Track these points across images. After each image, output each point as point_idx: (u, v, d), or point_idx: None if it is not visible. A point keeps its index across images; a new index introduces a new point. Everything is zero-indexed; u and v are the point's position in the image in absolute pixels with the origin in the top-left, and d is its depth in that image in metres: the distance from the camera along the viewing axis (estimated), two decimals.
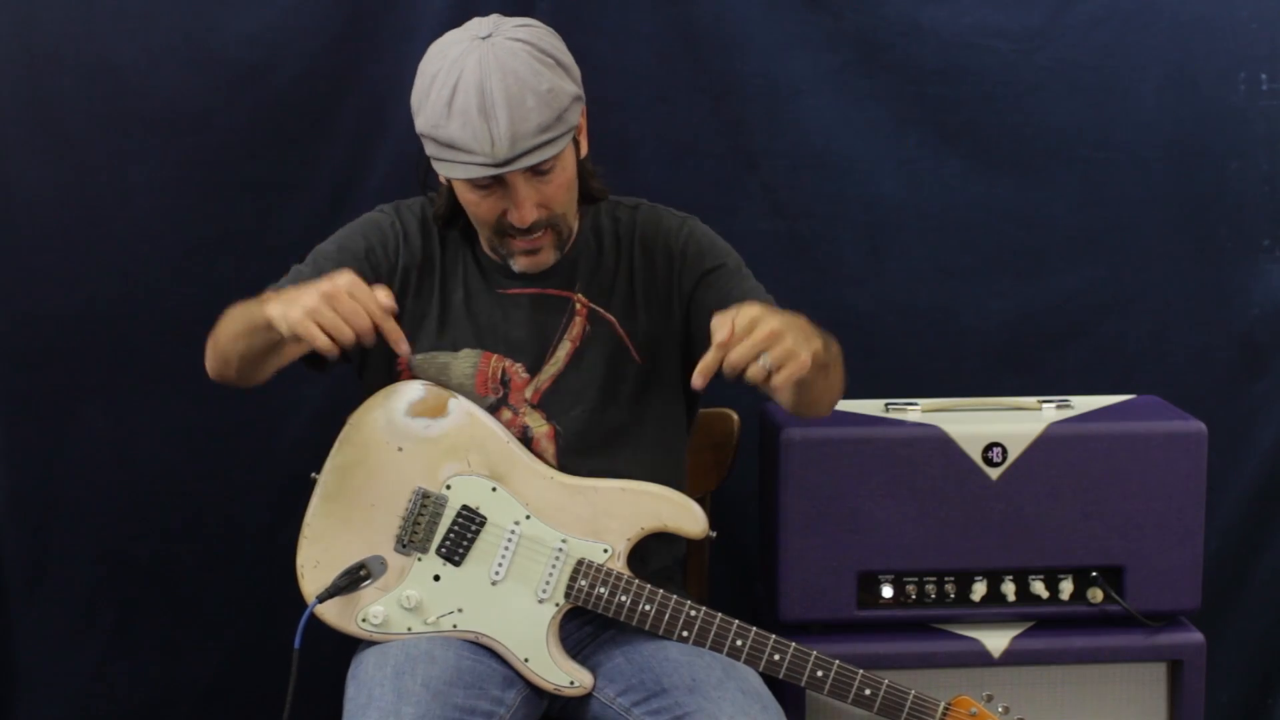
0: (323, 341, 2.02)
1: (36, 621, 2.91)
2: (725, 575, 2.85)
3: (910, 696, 2.22)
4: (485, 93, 2.12)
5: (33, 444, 2.86)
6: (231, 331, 2.21)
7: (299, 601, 2.26)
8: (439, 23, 2.79)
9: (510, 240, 2.25)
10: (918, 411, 2.63)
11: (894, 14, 2.89)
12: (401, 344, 2.10)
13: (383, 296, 2.06)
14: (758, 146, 2.93)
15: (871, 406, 2.67)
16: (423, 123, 2.19)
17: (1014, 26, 2.91)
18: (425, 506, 2.27)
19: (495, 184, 2.18)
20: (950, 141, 2.94)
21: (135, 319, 2.84)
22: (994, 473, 2.55)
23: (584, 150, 2.30)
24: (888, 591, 2.58)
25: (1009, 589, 2.58)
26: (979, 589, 2.58)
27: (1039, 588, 2.59)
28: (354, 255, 2.32)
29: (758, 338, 1.94)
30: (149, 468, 2.88)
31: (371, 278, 2.25)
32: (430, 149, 2.21)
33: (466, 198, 2.23)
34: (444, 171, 2.21)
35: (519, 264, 2.28)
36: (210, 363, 2.29)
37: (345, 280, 2.05)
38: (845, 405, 2.67)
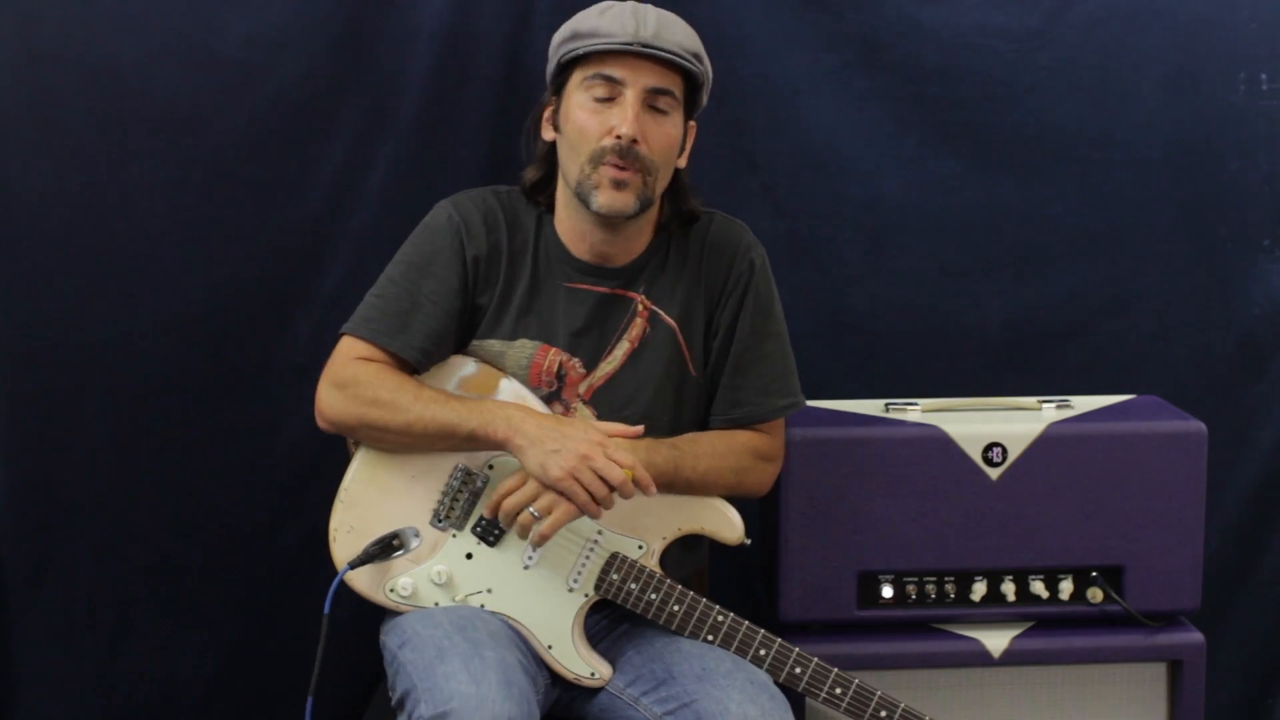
0: (583, 498, 2.17)
1: (36, 621, 2.90)
2: (725, 575, 2.85)
3: None
4: (639, 8, 2.26)
5: (33, 444, 2.86)
6: (423, 430, 2.24)
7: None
8: (439, 23, 2.80)
9: (603, 168, 2.25)
10: (918, 411, 2.63)
11: (894, 14, 2.89)
12: (650, 488, 2.22)
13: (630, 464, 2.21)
14: (758, 146, 2.93)
15: (871, 406, 2.67)
16: (567, 30, 2.29)
17: (1014, 26, 2.91)
18: (466, 484, 2.27)
19: (615, 96, 2.25)
20: (950, 141, 2.94)
21: (135, 319, 2.84)
22: (994, 473, 2.55)
23: (684, 160, 2.36)
24: (888, 591, 2.58)
25: (1009, 589, 2.58)
26: (979, 589, 2.58)
27: (1039, 588, 2.59)
28: (438, 278, 2.32)
29: (528, 492, 2.18)
30: (149, 468, 2.88)
31: (479, 273, 2.32)
32: (568, 47, 2.27)
33: (579, 114, 2.26)
34: (582, 49, 2.25)
35: (602, 198, 2.26)
36: (344, 428, 2.30)
37: (598, 437, 2.19)
38: (845, 405, 2.67)
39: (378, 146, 2.85)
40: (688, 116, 2.34)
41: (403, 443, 2.26)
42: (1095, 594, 2.59)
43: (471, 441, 2.24)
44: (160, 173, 2.81)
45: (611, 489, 2.18)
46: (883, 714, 2.22)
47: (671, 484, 2.26)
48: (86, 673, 2.92)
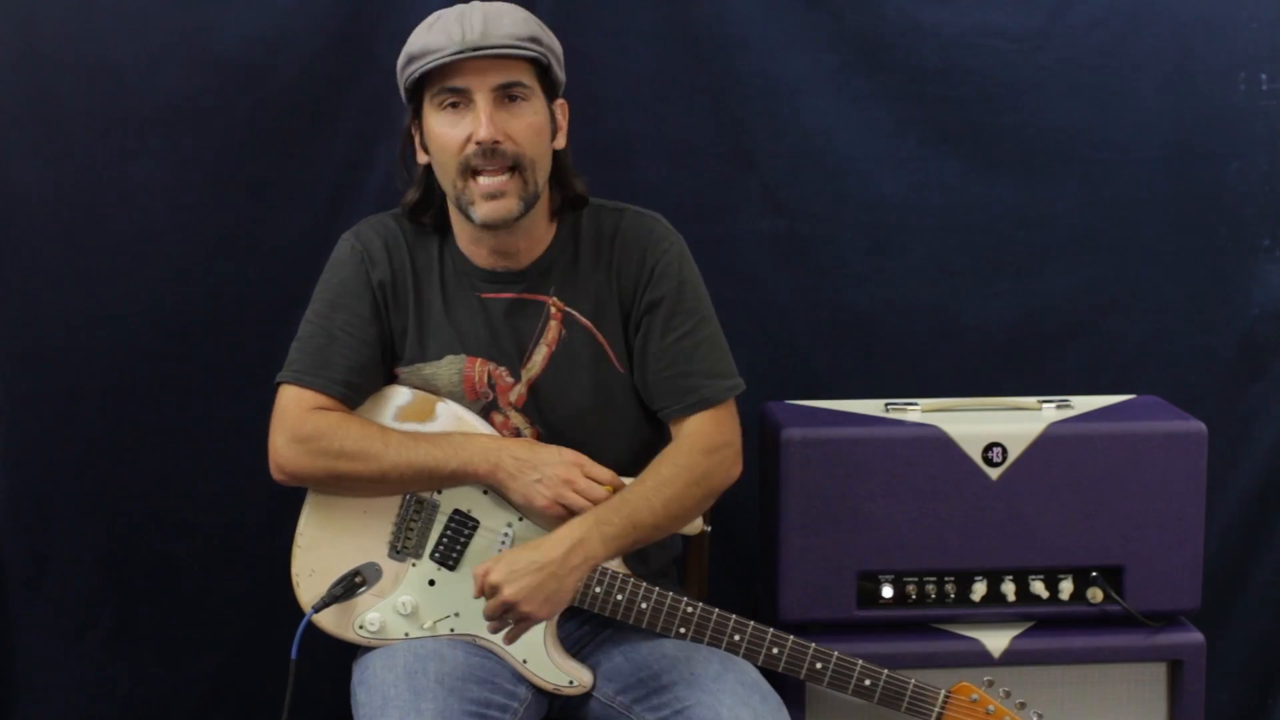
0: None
1: (36, 621, 2.90)
2: (725, 575, 2.85)
3: (910, 685, 2.22)
4: (465, 11, 2.21)
5: (33, 444, 2.86)
6: (399, 477, 2.25)
7: (298, 603, 2.26)
8: None
9: (473, 182, 2.23)
10: (918, 411, 2.63)
11: (894, 14, 2.89)
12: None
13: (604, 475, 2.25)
14: (758, 146, 2.93)
15: (871, 406, 2.67)
16: (402, 57, 2.25)
17: (1014, 26, 2.91)
18: (418, 512, 2.27)
19: (465, 106, 2.21)
20: (950, 141, 2.94)
21: (135, 319, 2.84)
22: (994, 473, 2.55)
23: (562, 140, 2.32)
24: (888, 591, 2.58)
25: (1009, 589, 2.58)
26: (979, 589, 2.58)
27: (1039, 588, 2.59)
28: (349, 309, 2.32)
29: (493, 605, 2.15)
30: (149, 468, 2.88)
31: (386, 298, 2.31)
32: (405, 73, 2.25)
33: (437, 131, 2.23)
34: (417, 71, 2.22)
35: (481, 210, 2.23)
36: (307, 480, 2.30)
37: (574, 458, 2.24)
38: (845, 405, 2.67)
39: (378, 146, 2.85)
40: (551, 97, 2.30)
41: (374, 490, 2.27)
42: (1095, 594, 2.59)
43: (453, 480, 2.25)
44: (160, 173, 2.81)
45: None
46: (866, 683, 2.22)
47: (637, 540, 2.23)
48: (86, 673, 2.92)
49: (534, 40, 2.23)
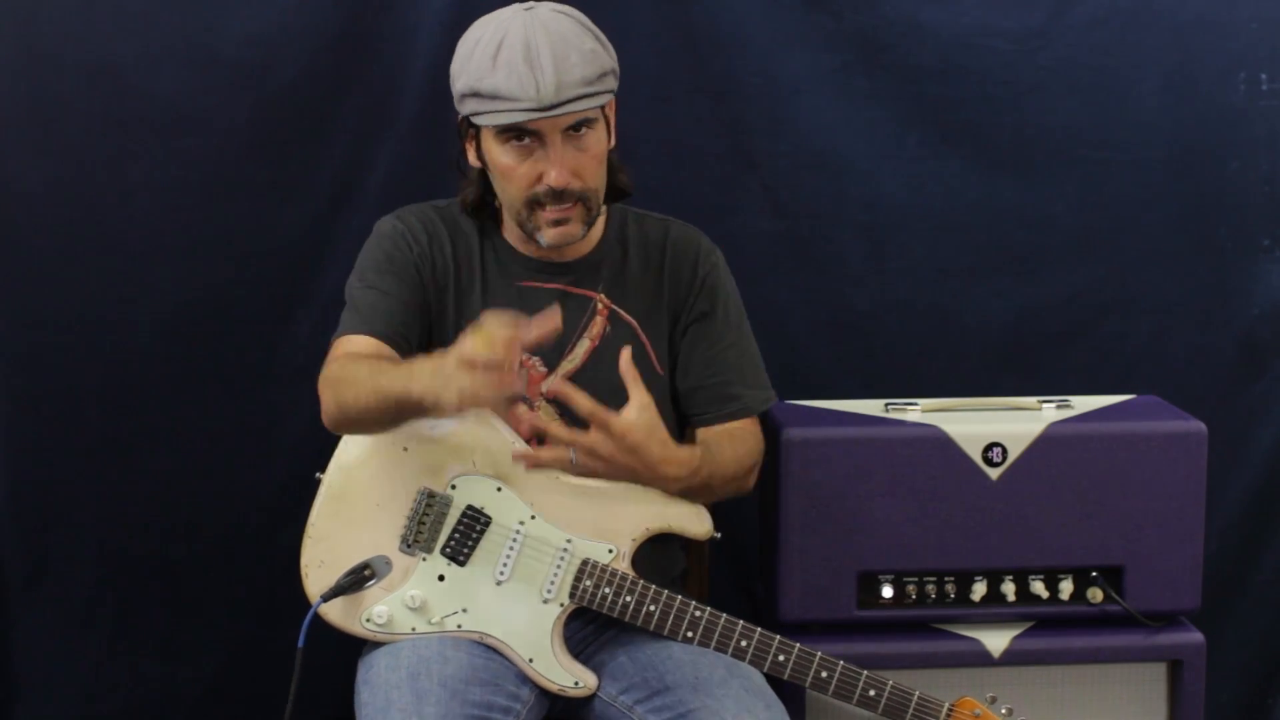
0: (491, 397, 2.01)
1: (36, 621, 2.90)
2: (725, 575, 2.85)
3: (915, 698, 2.22)
4: (531, 46, 2.17)
5: (33, 444, 2.86)
6: (368, 405, 2.15)
7: (299, 601, 2.26)
8: (439, 23, 2.80)
9: (540, 211, 2.25)
10: (918, 411, 2.63)
11: (894, 14, 2.89)
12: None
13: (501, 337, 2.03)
14: (758, 146, 2.93)
15: (871, 406, 2.67)
16: (465, 82, 2.22)
17: (1014, 26, 2.91)
18: (430, 506, 2.27)
19: (534, 144, 2.21)
20: (950, 141, 2.94)
21: (135, 319, 2.84)
22: (994, 473, 2.55)
23: (612, 141, 2.33)
24: (888, 591, 2.58)
25: (1009, 589, 2.58)
26: (979, 589, 2.58)
27: (1039, 588, 2.59)
28: (395, 274, 2.32)
29: (613, 444, 2.12)
30: (149, 468, 2.88)
31: (427, 276, 2.32)
32: (472, 106, 2.22)
33: (503, 162, 2.23)
34: (489, 121, 2.20)
35: (547, 236, 2.27)
36: (333, 422, 2.24)
37: (469, 348, 2.00)
38: (845, 405, 2.67)
39: (378, 146, 2.85)
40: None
41: (372, 420, 2.18)
42: (1095, 594, 2.59)
43: (408, 405, 2.09)
44: (160, 173, 2.82)
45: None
46: (871, 693, 2.22)
47: (705, 488, 2.26)
48: (86, 672, 2.92)
49: (601, 77, 2.22)
